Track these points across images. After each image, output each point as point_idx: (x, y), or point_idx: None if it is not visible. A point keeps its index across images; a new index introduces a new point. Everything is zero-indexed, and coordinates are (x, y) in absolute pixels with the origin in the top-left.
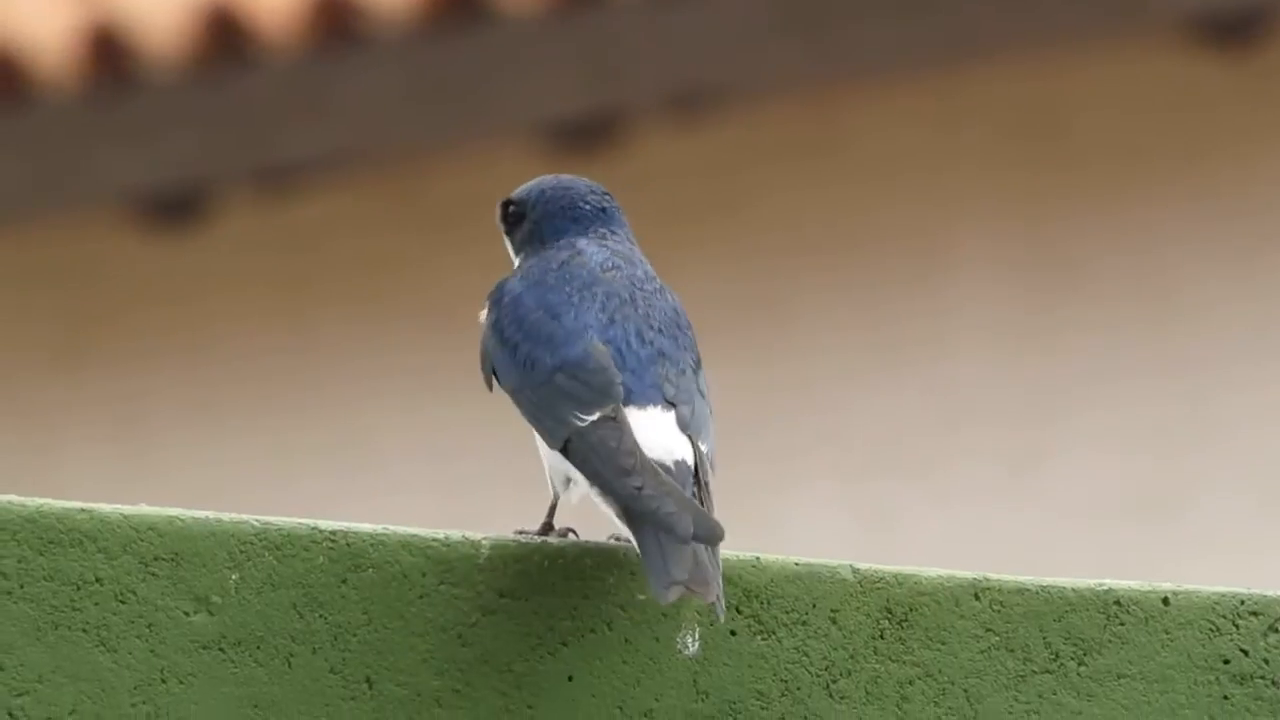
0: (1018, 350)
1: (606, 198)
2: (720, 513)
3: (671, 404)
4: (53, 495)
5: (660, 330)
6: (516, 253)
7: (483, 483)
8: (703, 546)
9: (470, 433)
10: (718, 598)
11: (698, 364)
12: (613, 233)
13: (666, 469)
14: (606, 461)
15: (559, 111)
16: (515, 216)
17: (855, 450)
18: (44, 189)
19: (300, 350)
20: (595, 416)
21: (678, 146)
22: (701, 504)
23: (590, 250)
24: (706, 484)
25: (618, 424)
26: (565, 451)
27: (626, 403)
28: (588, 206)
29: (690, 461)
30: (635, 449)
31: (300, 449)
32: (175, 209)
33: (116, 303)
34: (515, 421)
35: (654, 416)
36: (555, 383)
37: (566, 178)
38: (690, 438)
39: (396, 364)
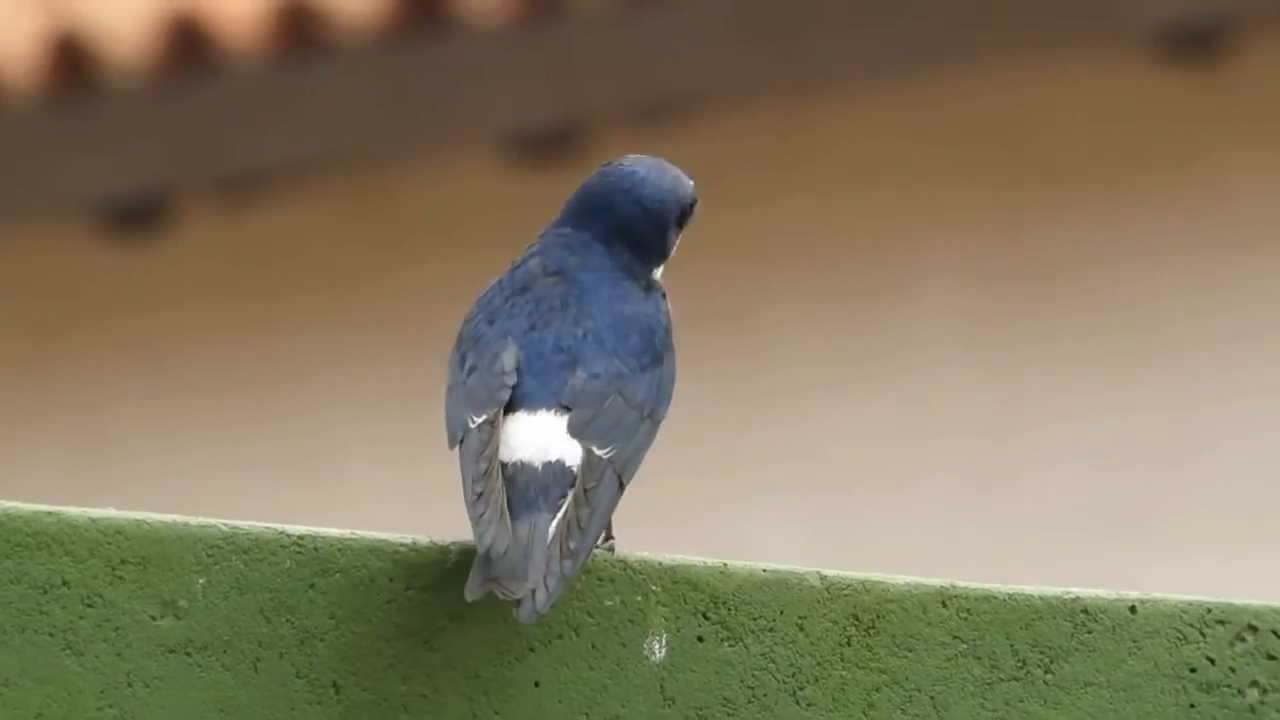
0: (985, 362)
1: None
2: (684, 522)
3: (567, 408)
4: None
5: (592, 336)
6: None
7: (450, 491)
8: (527, 538)
9: (438, 441)
10: (529, 597)
11: (645, 368)
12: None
13: (533, 470)
14: (467, 464)
15: (524, 121)
16: None
17: (821, 461)
18: (6, 197)
19: (265, 360)
20: (483, 419)
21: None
22: (579, 507)
23: (548, 251)
24: (589, 489)
25: (493, 427)
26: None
27: (518, 407)
28: (576, 204)
29: (571, 464)
30: (494, 454)
31: (265, 459)
32: (139, 218)
33: (80, 312)
34: None
35: (541, 419)
36: (468, 385)
37: (614, 168)
38: (583, 443)
39: (362, 373)
